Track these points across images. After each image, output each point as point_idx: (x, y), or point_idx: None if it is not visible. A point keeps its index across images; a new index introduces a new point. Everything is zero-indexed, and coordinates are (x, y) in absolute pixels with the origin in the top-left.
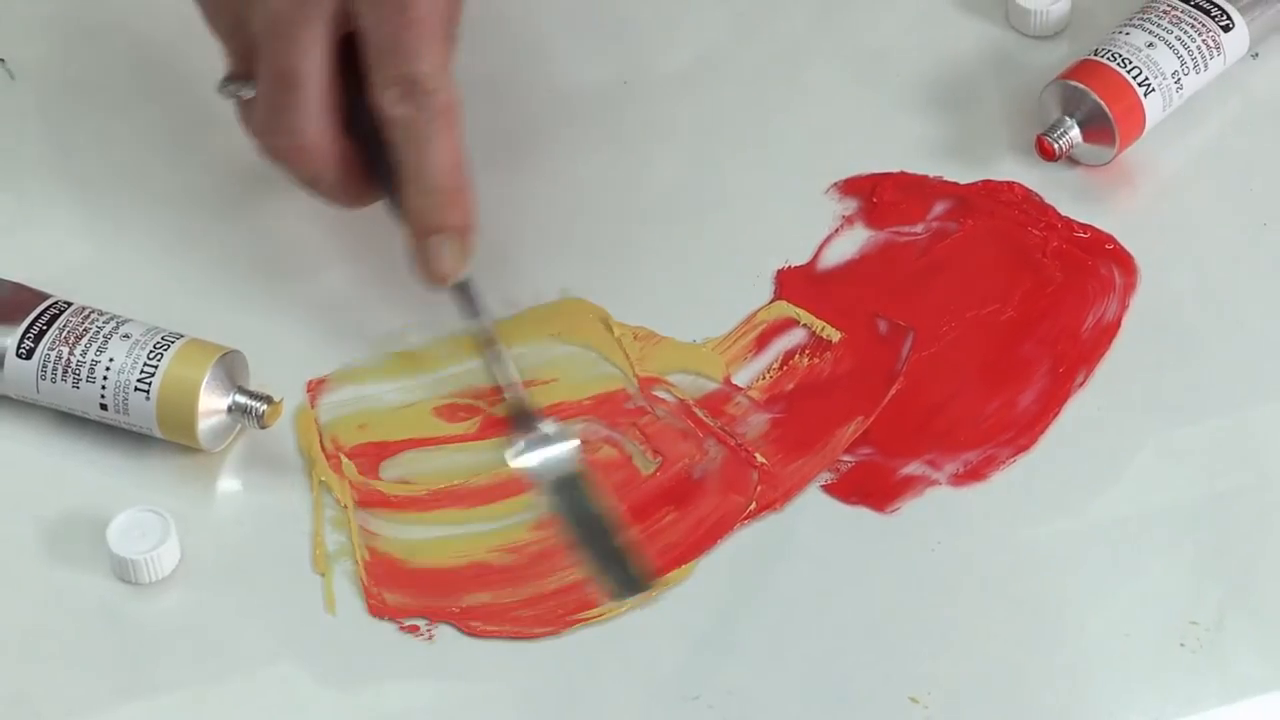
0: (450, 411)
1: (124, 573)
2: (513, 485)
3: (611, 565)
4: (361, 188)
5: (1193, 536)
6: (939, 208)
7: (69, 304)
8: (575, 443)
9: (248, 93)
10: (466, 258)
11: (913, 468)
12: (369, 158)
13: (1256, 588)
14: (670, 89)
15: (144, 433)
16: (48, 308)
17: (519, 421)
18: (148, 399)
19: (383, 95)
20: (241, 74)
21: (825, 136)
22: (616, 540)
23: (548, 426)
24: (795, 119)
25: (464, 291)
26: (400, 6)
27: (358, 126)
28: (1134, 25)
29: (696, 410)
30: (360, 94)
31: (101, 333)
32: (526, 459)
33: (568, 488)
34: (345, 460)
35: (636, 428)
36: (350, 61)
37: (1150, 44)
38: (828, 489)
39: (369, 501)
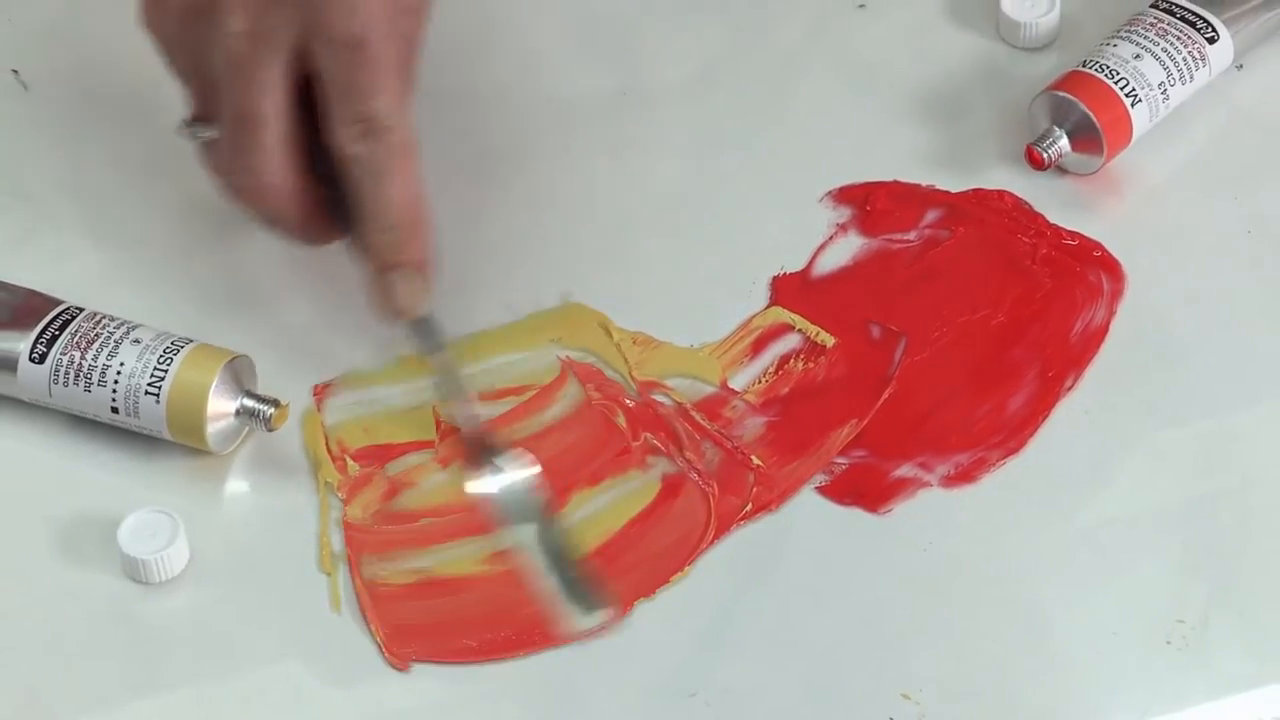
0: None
1: (134, 572)
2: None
3: (574, 590)
4: (322, 227)
5: (1179, 537)
6: (931, 216)
7: (80, 310)
8: (532, 471)
9: (208, 134)
10: (427, 292)
11: (905, 470)
12: (329, 197)
13: (1241, 587)
14: (668, 99)
15: (154, 435)
16: (60, 313)
17: (477, 455)
18: (158, 402)
19: (341, 133)
20: (202, 115)
21: (819, 146)
22: (577, 566)
23: (505, 460)
24: (790, 129)
25: (424, 325)
26: (355, 46)
27: (318, 167)
28: (1121, 37)
29: (694, 413)
30: (319, 134)
31: (112, 338)
32: (485, 487)
33: (528, 516)
34: (350, 463)
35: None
36: (309, 103)
37: (1137, 56)
38: (822, 490)
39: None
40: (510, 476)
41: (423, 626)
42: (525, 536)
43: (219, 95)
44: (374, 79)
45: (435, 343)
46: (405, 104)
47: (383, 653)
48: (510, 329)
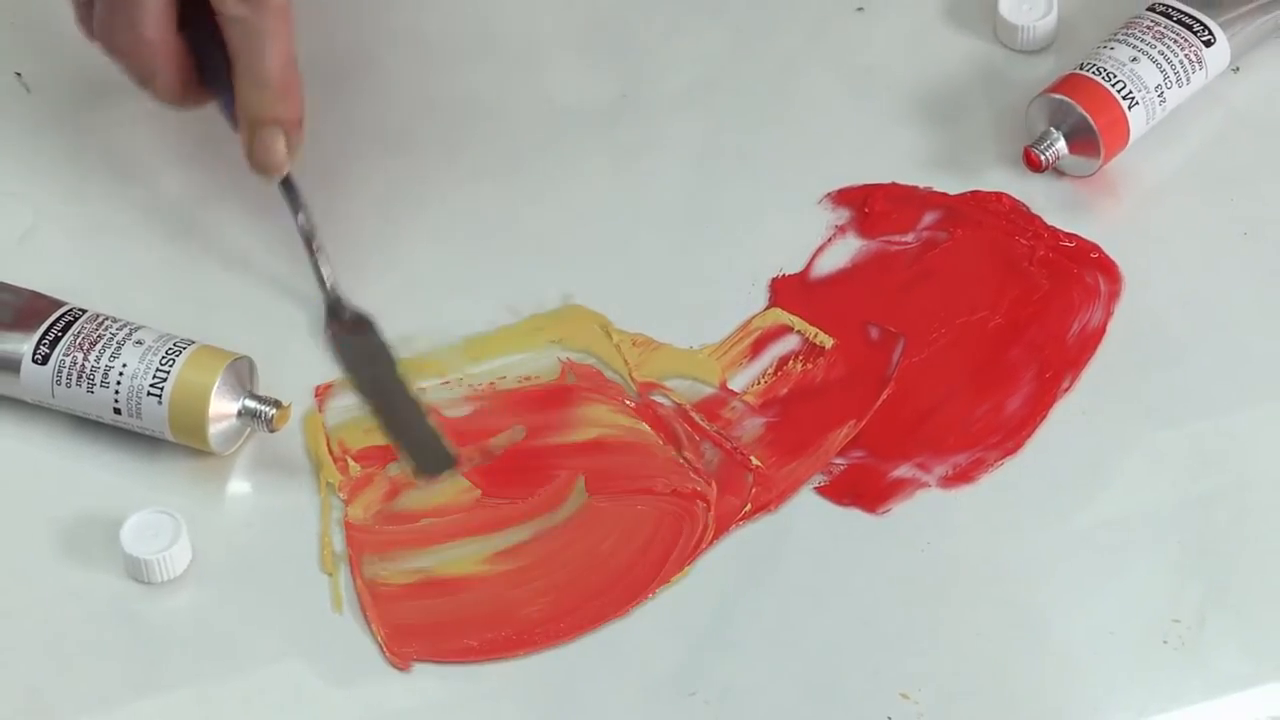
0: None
1: (137, 572)
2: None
3: (420, 445)
4: (192, 88)
5: (1175, 537)
6: (929, 218)
7: (83, 311)
8: (376, 327)
9: None
10: (295, 150)
11: (903, 470)
12: (201, 61)
13: (1237, 586)
14: (668, 103)
15: (156, 436)
16: (63, 315)
17: (333, 316)
18: (160, 403)
19: None
20: None
21: (818, 149)
22: (424, 420)
23: (359, 318)
24: (789, 132)
25: (288, 188)
26: None
27: (191, 30)
28: (1118, 40)
29: (693, 414)
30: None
31: (115, 339)
32: (339, 345)
33: (374, 369)
34: (351, 463)
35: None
36: None
37: (1134, 58)
38: (821, 491)
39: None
40: (363, 337)
41: (423, 626)
42: (373, 391)
43: None
44: None
45: (297, 203)
46: None
47: (384, 652)
48: (511, 330)
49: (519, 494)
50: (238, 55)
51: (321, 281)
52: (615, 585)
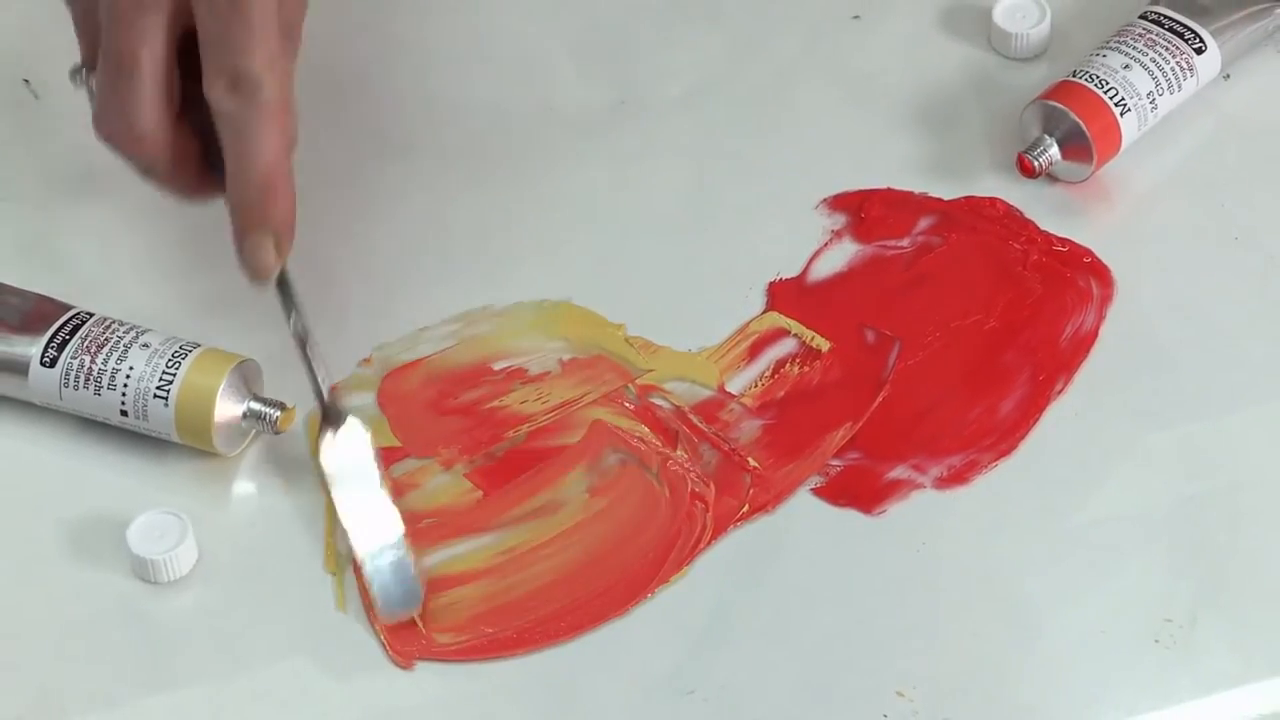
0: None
1: (143, 572)
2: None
3: (388, 575)
4: (198, 180)
5: (1167, 537)
6: (924, 223)
7: (91, 314)
8: (368, 437)
9: (92, 81)
10: (282, 255)
11: (899, 472)
12: (210, 152)
13: (1228, 586)
14: (667, 109)
15: (162, 438)
16: (70, 318)
17: (330, 421)
18: (166, 405)
19: (212, 87)
20: (90, 62)
21: (815, 154)
22: (396, 545)
23: (346, 428)
24: (786, 138)
25: (280, 288)
26: (233, 2)
27: (201, 122)
28: (1110, 48)
29: (692, 416)
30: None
31: (122, 342)
32: (328, 453)
33: (359, 484)
34: None
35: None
36: (194, 56)
37: (1126, 66)
38: (817, 492)
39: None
40: (349, 444)
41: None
42: (352, 502)
43: (101, 39)
44: (248, 35)
45: (290, 305)
46: (279, 64)
47: (387, 651)
48: (511, 329)
49: (520, 495)
50: (226, 151)
51: (317, 389)
52: (615, 585)
